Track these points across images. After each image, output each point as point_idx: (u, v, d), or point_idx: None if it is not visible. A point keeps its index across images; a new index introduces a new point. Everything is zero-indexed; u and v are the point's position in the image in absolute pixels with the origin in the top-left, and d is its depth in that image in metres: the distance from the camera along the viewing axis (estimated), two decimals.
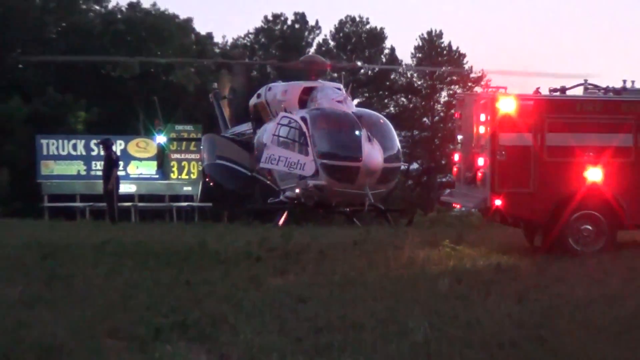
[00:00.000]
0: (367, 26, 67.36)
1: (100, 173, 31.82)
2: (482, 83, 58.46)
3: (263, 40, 66.79)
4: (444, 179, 58.48)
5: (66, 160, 43.76)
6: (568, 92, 17.34)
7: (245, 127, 34.55)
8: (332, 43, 66.76)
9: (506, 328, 9.01)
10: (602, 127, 16.25)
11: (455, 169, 18.96)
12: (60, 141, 44.18)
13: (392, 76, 65.96)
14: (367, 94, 64.07)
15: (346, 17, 67.63)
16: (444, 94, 66.67)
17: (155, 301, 10.44)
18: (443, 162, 59.14)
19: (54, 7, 57.85)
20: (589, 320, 9.42)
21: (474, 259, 15.03)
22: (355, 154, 26.38)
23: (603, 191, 16.01)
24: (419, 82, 66.64)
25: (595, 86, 17.40)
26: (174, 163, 44.43)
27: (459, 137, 18.75)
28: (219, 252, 15.11)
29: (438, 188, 54.30)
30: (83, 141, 44.16)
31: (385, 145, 27.34)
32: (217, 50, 63.61)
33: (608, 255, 15.21)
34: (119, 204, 28.83)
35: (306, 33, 67.92)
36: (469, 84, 63.35)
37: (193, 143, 43.77)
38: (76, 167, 43.79)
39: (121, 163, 35.50)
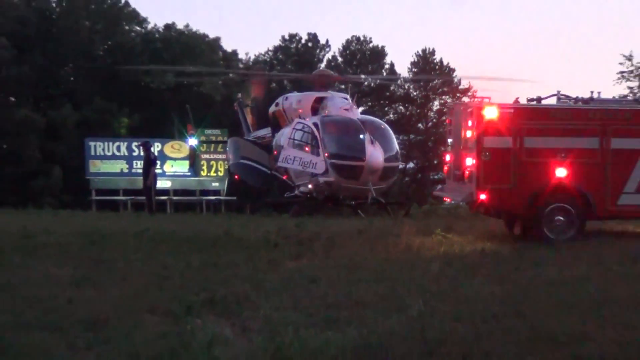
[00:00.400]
0: (370, 44, 67.14)
1: (140, 171, 31.91)
2: (469, 94, 58.29)
3: (281, 56, 66.64)
4: (436, 176, 58.27)
5: (111, 160, 43.77)
6: (543, 102, 17.31)
7: (265, 132, 34.49)
8: (340, 59, 66.52)
9: (490, 304, 8.99)
10: (572, 132, 16.23)
11: (446, 168, 18.96)
12: (106, 143, 44.19)
13: (391, 87, 65.75)
14: (369, 103, 63.81)
15: (352, 37, 67.47)
16: (436, 103, 66.46)
17: (187, 281, 10.46)
18: (435, 161, 58.98)
19: (100, 28, 57.90)
20: (562, 298, 9.39)
21: (462, 245, 15.00)
22: (359, 154, 26.34)
23: (573, 187, 16.02)
24: (415, 93, 66.40)
25: (567, 96, 17.39)
26: (203, 162, 44.41)
27: (450, 140, 18.75)
28: (242, 239, 15.13)
29: (431, 184, 54.08)
30: (125, 143, 44.16)
31: (386, 147, 27.29)
32: (241, 65, 63.55)
33: (578, 242, 15.19)
34: (156, 198, 28.86)
35: (317, 50, 67.77)
36: (458, 95, 63.05)
37: (220, 145, 43.78)
38: (119, 166, 43.80)
39: (158, 162, 35.62)
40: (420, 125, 66.32)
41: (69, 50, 54.77)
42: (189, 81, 51.92)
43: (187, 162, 44.16)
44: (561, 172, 15.99)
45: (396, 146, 29.19)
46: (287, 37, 67.47)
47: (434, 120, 65.74)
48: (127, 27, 60.40)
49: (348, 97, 30.64)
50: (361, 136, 26.79)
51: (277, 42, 67.77)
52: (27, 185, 46.98)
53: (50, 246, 13.82)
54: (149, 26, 60.85)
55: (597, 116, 16.33)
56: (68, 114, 50.30)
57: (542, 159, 16.04)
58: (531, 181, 16.01)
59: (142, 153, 32.50)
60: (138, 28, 61.01)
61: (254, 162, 34.68)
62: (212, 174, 44.47)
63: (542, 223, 16.01)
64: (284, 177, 30.68)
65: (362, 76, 60.20)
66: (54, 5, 57.41)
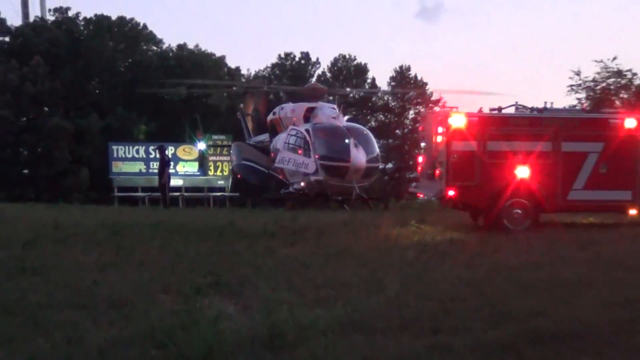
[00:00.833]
0: (355, 62, 66.93)
1: (156, 171, 31.81)
2: (440, 104, 58.25)
3: (277, 72, 66.39)
4: (411, 175, 58.27)
5: (131, 161, 43.81)
6: (503, 111, 17.35)
7: (264, 137, 34.49)
8: (328, 74, 66.24)
9: (457, 286, 9.00)
10: (528, 137, 16.29)
11: (419, 168, 18.96)
12: (126, 147, 44.27)
13: (373, 99, 65.64)
14: (354, 112, 63.57)
15: (339, 55, 67.14)
16: (411, 112, 66.21)
17: (196, 266, 10.42)
18: (411, 162, 58.92)
19: (122, 47, 57.83)
20: (519, 280, 9.39)
21: (433, 234, 15.00)
22: (345, 156, 26.46)
23: (529, 184, 16.09)
24: (393, 104, 66.21)
25: (524, 106, 17.49)
26: (211, 163, 44.48)
27: (423, 144, 18.81)
28: (244, 230, 15.09)
29: (407, 182, 54.06)
30: (143, 147, 44.19)
31: (368, 150, 27.39)
32: (243, 79, 63.41)
33: (532, 232, 15.23)
34: (170, 194, 28.85)
35: (309, 67, 67.52)
36: (430, 105, 62.92)
37: (225, 148, 43.92)
38: (138, 167, 43.82)
39: (172, 163, 35.61)
40: (397, 131, 66.07)
41: (95, 67, 54.68)
42: (198, 93, 51.83)
43: (196, 163, 44.31)
44: (519, 172, 16.07)
45: (377, 149, 29.26)
46: (283, 55, 67.20)
47: (410, 127, 65.60)
48: (145, 47, 60.33)
49: (335, 107, 30.69)
50: (347, 141, 26.87)
51: (274, 59, 67.50)
52: (59, 183, 46.87)
53: (78, 236, 13.76)
54: (164, 46, 60.82)
55: (549, 123, 16.38)
56: (94, 121, 50.25)
57: (502, 160, 16.11)
58: (493, 179, 16.06)
59: (157, 155, 32.48)
60: (155, 48, 60.91)
61: (254, 163, 34.74)
62: (218, 173, 44.52)
63: (502, 215, 16.06)
64: (280, 176, 30.71)
65: (348, 89, 60.01)
66: (82, 28, 57.32)
